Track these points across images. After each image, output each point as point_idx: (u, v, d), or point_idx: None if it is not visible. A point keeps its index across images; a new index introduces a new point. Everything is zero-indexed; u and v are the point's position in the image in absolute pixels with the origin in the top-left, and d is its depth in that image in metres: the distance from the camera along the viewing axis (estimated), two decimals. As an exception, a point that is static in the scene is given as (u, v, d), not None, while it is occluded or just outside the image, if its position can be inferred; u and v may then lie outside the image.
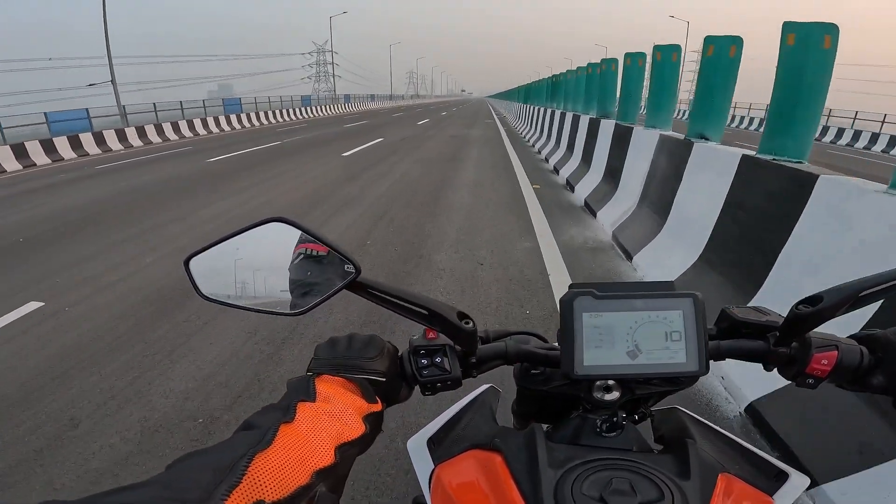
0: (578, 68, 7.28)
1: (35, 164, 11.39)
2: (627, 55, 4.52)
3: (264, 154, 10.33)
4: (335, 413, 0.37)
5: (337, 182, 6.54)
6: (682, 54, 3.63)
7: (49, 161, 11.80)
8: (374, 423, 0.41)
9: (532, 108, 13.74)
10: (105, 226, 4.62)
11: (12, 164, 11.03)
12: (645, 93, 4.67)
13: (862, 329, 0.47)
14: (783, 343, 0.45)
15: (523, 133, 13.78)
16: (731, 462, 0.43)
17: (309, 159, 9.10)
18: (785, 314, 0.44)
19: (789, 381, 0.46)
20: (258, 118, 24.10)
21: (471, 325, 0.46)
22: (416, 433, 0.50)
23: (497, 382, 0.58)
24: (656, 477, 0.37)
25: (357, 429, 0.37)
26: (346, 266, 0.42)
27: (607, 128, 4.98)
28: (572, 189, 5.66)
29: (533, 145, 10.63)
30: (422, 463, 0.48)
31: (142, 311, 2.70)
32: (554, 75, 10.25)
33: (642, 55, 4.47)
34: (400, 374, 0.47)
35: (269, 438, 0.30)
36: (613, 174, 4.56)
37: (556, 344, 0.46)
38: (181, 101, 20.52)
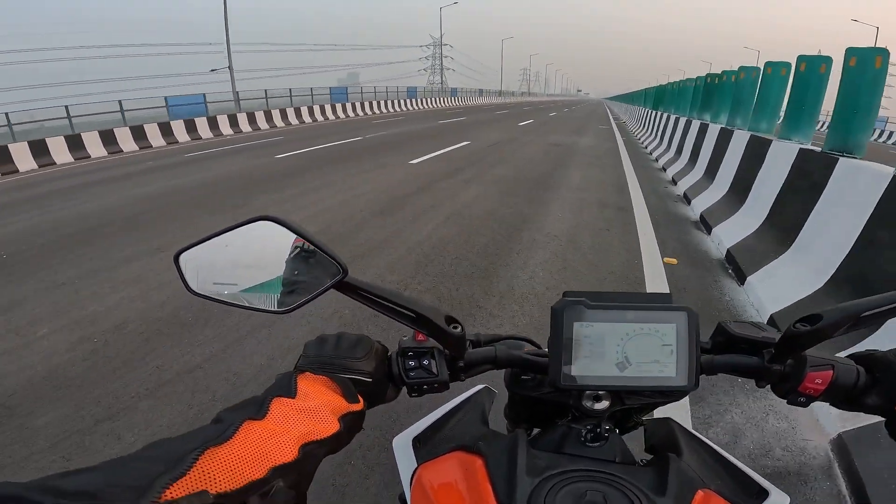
0: (768, 63, 4.49)
1: (151, 146, 12.24)
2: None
3: (333, 152, 9.30)
4: (309, 410, 0.37)
5: (376, 210, 4.80)
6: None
7: (164, 143, 12.83)
8: (352, 422, 0.41)
9: (664, 116, 10.62)
10: (82, 250, 3.87)
11: (130, 145, 11.87)
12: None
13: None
14: (778, 360, 0.45)
15: (648, 146, 10.75)
16: (714, 477, 0.43)
17: (371, 166, 7.60)
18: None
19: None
20: (361, 108, 24.16)
21: (459, 329, 0.46)
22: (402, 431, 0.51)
23: (493, 384, 0.57)
24: (630, 491, 0.37)
25: (329, 427, 0.38)
26: (333, 266, 0.42)
27: (865, 185, 2.42)
28: (741, 277, 3.09)
29: (663, 169, 7.76)
30: (405, 461, 0.49)
31: None
32: (710, 74, 7.25)
33: None
34: (387, 375, 0.47)
35: (230, 434, 0.31)
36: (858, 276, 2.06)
37: (547, 350, 0.47)
38: (290, 89, 21.10)
